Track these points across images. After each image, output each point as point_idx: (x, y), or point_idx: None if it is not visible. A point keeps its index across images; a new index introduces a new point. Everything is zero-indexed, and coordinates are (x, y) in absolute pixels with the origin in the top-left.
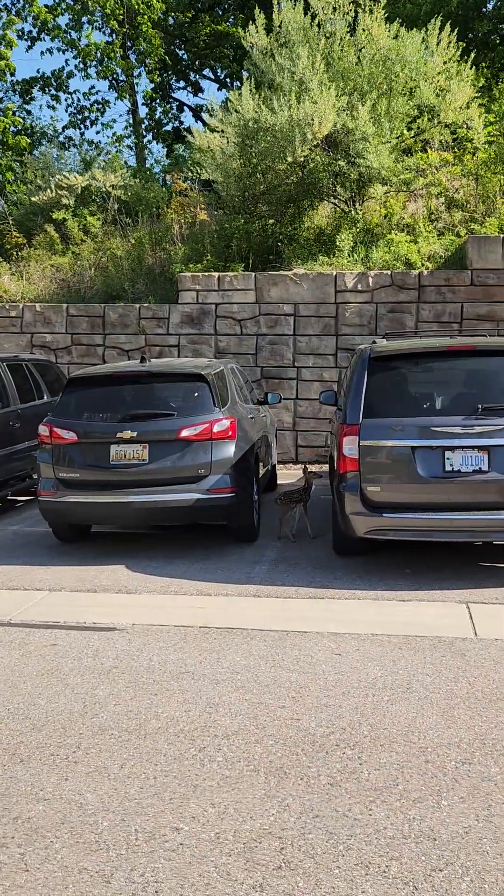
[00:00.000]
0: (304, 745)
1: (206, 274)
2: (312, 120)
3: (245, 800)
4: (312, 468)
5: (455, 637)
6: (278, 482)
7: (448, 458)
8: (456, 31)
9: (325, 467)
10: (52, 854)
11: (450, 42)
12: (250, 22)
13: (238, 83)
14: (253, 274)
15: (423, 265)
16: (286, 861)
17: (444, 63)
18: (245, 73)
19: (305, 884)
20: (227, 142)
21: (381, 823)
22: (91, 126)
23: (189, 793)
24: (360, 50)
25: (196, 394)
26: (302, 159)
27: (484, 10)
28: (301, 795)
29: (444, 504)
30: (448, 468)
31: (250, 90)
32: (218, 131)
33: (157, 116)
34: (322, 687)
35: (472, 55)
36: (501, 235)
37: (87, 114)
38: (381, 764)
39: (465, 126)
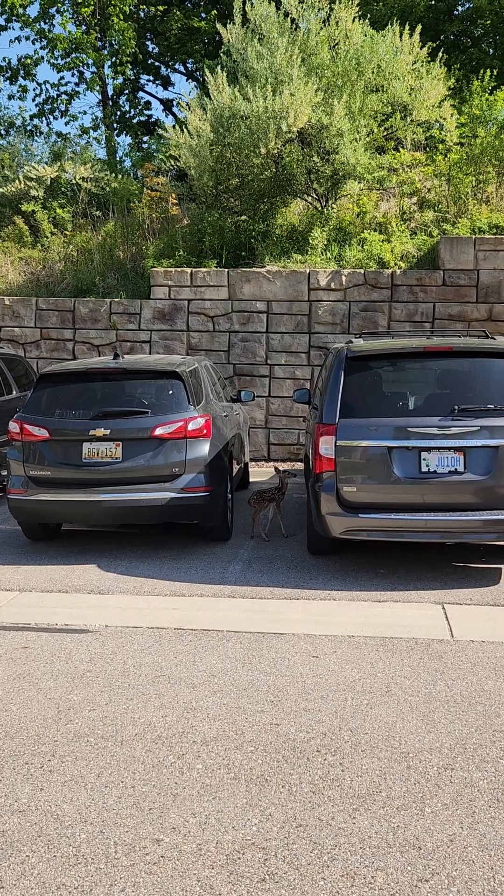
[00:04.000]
0: (284, 752)
1: (179, 269)
2: (288, 112)
3: (226, 809)
4: (284, 466)
5: (432, 639)
6: (251, 480)
7: (424, 459)
8: (426, 32)
9: (297, 465)
10: (28, 869)
11: (419, 38)
12: (228, 21)
13: (212, 75)
14: (226, 270)
15: (395, 264)
16: (270, 873)
17: (414, 63)
18: (219, 65)
19: None
20: (202, 131)
21: (366, 832)
22: (61, 116)
23: (169, 802)
24: (334, 46)
25: (170, 391)
26: (276, 151)
27: (455, 13)
28: (284, 804)
29: (420, 505)
30: (424, 469)
31: (225, 77)
32: (194, 111)
33: (124, 110)
34: (300, 690)
35: (443, 56)
36: (473, 237)
37: (55, 104)
38: (363, 770)
39: (437, 125)
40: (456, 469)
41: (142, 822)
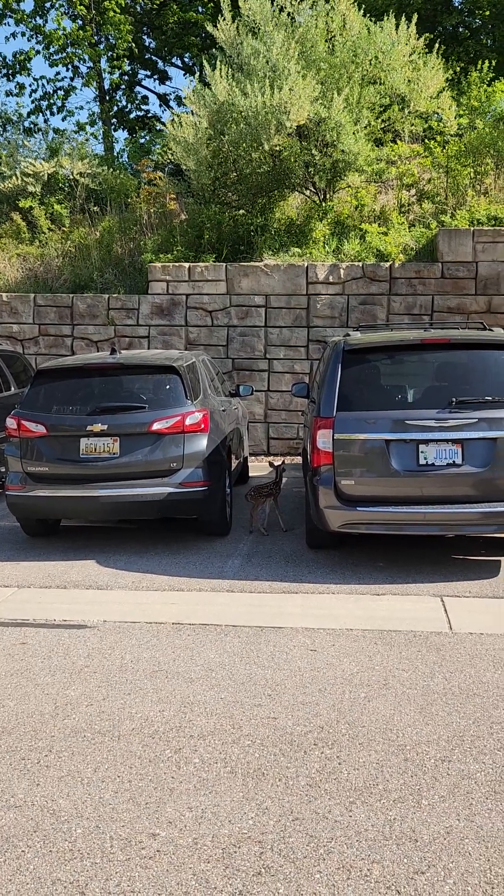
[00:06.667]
0: (281, 745)
1: (177, 264)
2: (287, 107)
3: (223, 803)
4: (277, 461)
5: (430, 631)
6: (250, 475)
7: (422, 452)
8: (423, 24)
9: (290, 459)
10: (24, 864)
11: (416, 29)
12: (219, 15)
13: (211, 69)
14: (224, 264)
15: (394, 257)
16: (266, 866)
17: (412, 54)
18: (215, 61)
19: (286, 890)
20: (199, 126)
21: (362, 825)
22: (58, 112)
23: (165, 797)
24: (331, 38)
25: (168, 386)
26: (278, 148)
27: (451, 4)
28: (280, 797)
29: (418, 497)
30: (422, 462)
31: (221, 73)
32: (191, 113)
33: (121, 105)
34: (298, 684)
35: (441, 47)
36: (472, 229)
37: (51, 100)
38: (360, 763)
39: (435, 117)
40: (454, 461)
41: (138, 816)
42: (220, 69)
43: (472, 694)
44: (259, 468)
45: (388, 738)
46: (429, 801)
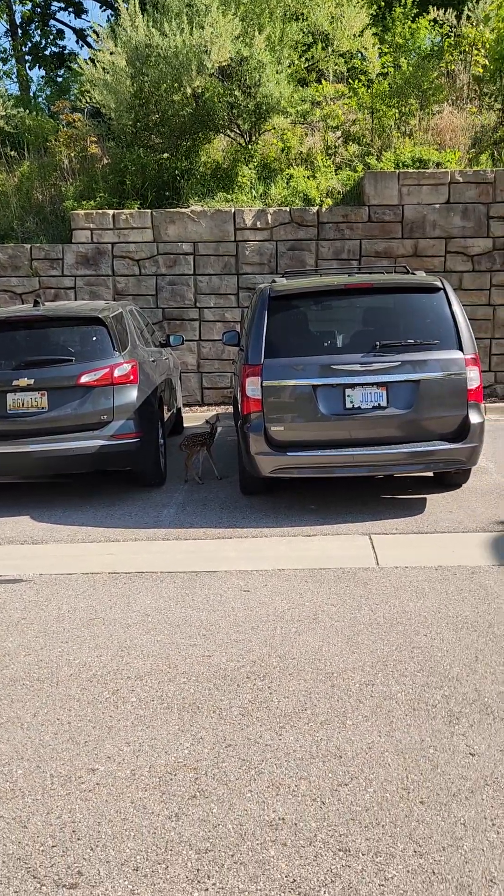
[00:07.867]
0: (215, 680)
1: (101, 211)
2: (208, 47)
3: (159, 736)
4: (210, 413)
5: (358, 567)
6: (185, 425)
7: (348, 396)
8: None
9: (224, 409)
10: None
11: None
12: None
13: (124, 3)
14: (149, 211)
15: (321, 201)
16: (200, 790)
17: None
18: None
19: (219, 809)
20: (117, 66)
21: (291, 747)
22: None
23: (104, 735)
24: None
25: (94, 338)
26: (200, 90)
27: None
28: (214, 727)
29: (346, 440)
30: (349, 405)
31: (138, 5)
32: (107, 52)
33: (35, 40)
34: (232, 623)
35: None
36: (397, 171)
37: None
38: (289, 692)
39: (359, 56)
40: (379, 404)
41: (77, 754)
42: (133, 4)
43: (396, 623)
44: (194, 419)
45: (317, 667)
46: (353, 721)
